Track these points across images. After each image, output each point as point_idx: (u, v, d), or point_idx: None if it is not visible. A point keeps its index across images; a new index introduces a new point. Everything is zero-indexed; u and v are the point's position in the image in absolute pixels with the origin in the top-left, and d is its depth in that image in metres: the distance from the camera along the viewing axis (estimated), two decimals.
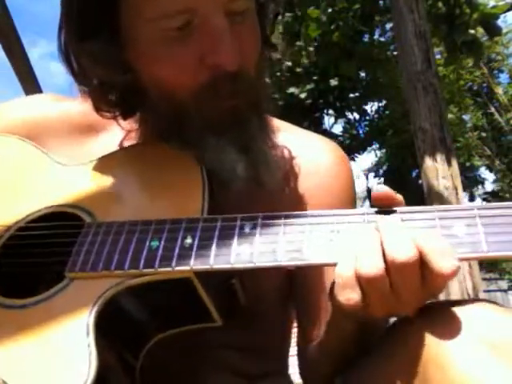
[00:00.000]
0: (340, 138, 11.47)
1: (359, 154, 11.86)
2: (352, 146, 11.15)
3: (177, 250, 0.61)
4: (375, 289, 0.52)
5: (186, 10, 0.66)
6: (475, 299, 0.55)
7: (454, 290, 3.87)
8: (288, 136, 0.84)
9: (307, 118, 10.44)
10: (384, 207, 0.58)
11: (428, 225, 0.55)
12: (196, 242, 0.61)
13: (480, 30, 5.29)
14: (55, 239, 0.68)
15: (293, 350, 0.99)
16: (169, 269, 0.60)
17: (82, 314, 0.59)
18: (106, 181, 0.73)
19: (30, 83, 3.10)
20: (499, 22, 5.49)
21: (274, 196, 0.77)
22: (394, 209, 0.58)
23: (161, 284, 0.62)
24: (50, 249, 0.68)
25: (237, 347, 0.81)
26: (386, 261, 0.51)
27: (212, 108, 0.70)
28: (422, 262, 0.51)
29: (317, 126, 10.59)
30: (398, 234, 0.52)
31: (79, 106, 0.86)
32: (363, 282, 0.52)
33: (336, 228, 0.58)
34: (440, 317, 0.54)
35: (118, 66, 0.72)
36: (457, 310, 0.54)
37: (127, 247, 0.63)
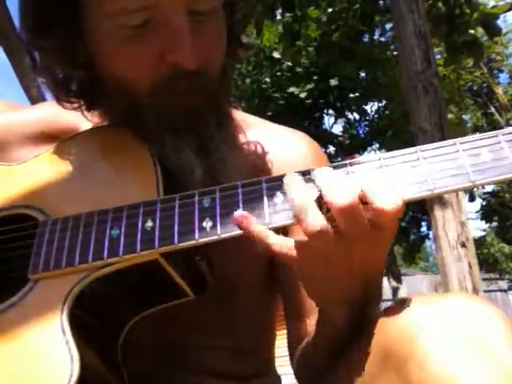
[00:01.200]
0: (340, 138, 11.47)
1: (359, 154, 11.85)
2: (352, 146, 11.14)
3: (139, 235, 0.60)
4: (323, 242, 0.53)
5: (146, 7, 0.65)
6: (455, 293, 0.56)
7: (454, 290, 3.87)
8: (260, 132, 0.84)
9: (307, 117, 10.43)
10: None
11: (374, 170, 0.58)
12: (157, 223, 0.61)
13: (480, 30, 5.28)
14: (10, 244, 0.67)
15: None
16: (134, 254, 0.60)
17: (54, 313, 0.58)
18: (53, 174, 0.71)
19: (31, 83, 3.10)
20: (499, 22, 5.49)
21: None
22: (338, 163, 0.59)
23: (128, 270, 0.61)
24: (6, 254, 0.67)
25: (220, 348, 0.80)
26: (328, 209, 0.52)
27: (168, 106, 0.69)
28: (364, 203, 0.52)
29: (317, 126, 10.59)
30: (335, 180, 0.53)
31: (37, 114, 0.84)
32: (309, 237, 0.53)
33: (284, 190, 0.57)
34: (417, 312, 0.54)
35: (78, 59, 0.72)
36: (436, 303, 0.54)
37: (87, 240, 0.62)
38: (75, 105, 0.77)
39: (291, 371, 0.84)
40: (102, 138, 0.75)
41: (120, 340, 0.67)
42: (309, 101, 10.04)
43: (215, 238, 0.58)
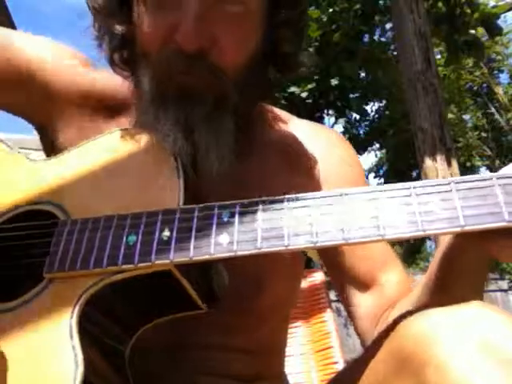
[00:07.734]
0: None
1: (359, 154, 11.85)
2: (352, 146, 11.12)
3: (155, 245, 0.60)
4: None
5: None
6: (473, 301, 0.55)
7: None
8: (296, 127, 0.85)
9: (308, 117, 10.41)
10: None
11: (405, 202, 0.56)
12: (174, 234, 0.60)
13: (480, 29, 5.28)
14: (30, 240, 0.67)
15: (292, 350, 0.98)
16: (148, 263, 0.59)
17: (64, 315, 0.58)
18: (77, 172, 0.71)
19: None
20: (499, 21, 5.48)
21: (269, 185, 0.75)
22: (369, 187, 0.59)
23: (141, 278, 0.61)
24: (25, 251, 0.67)
25: (234, 349, 0.80)
26: None
27: (164, 80, 0.69)
28: None
29: None
30: None
31: (105, 80, 0.83)
32: None
33: (313, 211, 0.57)
34: (437, 318, 0.54)
35: (124, 19, 0.74)
36: (455, 311, 0.54)
37: (104, 244, 0.61)
38: (126, 74, 0.78)
39: (292, 371, 0.84)
40: (129, 141, 0.74)
41: (129, 345, 0.66)
42: (309, 101, 10.03)
43: (231, 254, 0.57)
